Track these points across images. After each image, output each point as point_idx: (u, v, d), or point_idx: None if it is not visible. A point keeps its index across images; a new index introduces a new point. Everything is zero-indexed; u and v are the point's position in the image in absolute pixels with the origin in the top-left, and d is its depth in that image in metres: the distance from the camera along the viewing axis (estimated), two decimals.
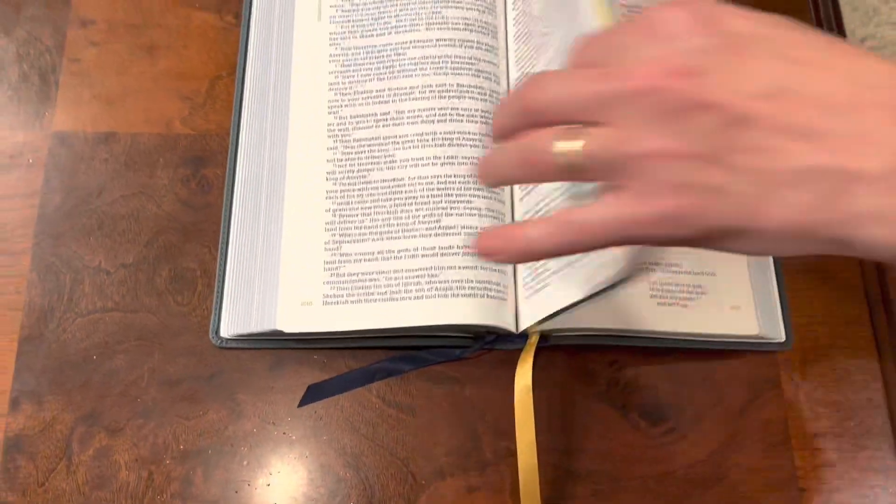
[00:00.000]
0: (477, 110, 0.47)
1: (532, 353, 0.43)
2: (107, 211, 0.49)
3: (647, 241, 0.28)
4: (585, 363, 0.47)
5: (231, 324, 0.45)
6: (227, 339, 0.46)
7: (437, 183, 0.45)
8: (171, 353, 0.46)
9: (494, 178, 0.32)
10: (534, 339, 0.44)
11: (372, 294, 0.43)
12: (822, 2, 0.57)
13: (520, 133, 0.30)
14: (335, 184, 0.46)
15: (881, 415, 0.46)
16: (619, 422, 0.46)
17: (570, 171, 0.29)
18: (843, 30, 0.56)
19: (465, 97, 0.47)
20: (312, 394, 0.45)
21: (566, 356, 0.47)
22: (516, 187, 0.47)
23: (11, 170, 0.50)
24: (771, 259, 0.48)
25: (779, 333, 0.46)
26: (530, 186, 0.46)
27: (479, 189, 0.45)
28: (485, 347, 0.45)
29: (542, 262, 0.43)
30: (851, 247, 0.26)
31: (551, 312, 0.41)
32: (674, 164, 0.27)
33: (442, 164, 0.45)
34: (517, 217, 0.45)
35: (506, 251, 0.31)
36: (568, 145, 0.28)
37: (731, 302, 0.46)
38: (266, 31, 0.51)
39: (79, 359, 0.46)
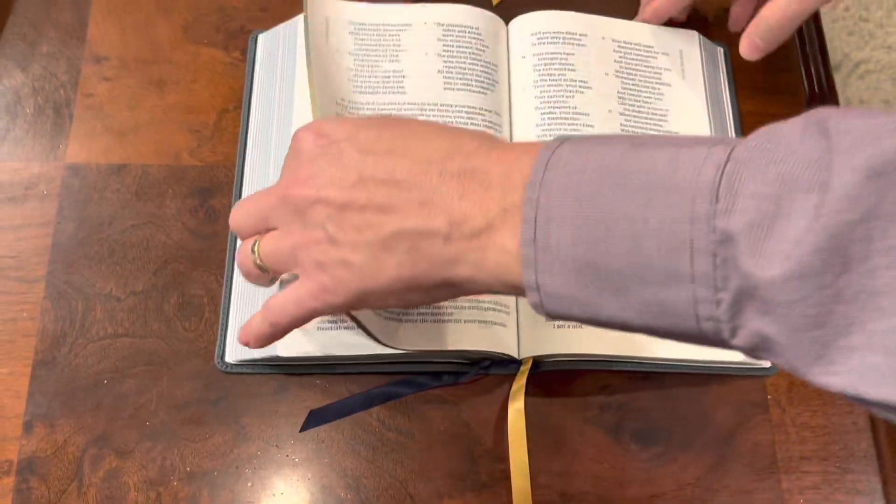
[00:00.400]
0: None
1: (525, 378, 0.45)
2: (118, 240, 0.51)
3: (318, 312, 0.36)
4: (578, 387, 0.48)
5: (235, 349, 0.47)
6: (232, 365, 0.48)
7: None
8: (178, 377, 0.48)
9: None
10: (527, 365, 0.45)
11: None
12: (804, 27, 0.59)
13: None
14: None
15: (865, 439, 0.48)
16: (611, 445, 0.47)
17: (263, 268, 0.38)
18: (827, 57, 0.58)
19: None
20: (314, 419, 0.47)
21: (559, 380, 0.48)
22: None
23: (27, 200, 0.52)
24: None
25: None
26: None
27: None
28: (480, 372, 0.47)
29: None
30: (460, 287, 0.33)
31: (571, 353, 0.45)
32: (311, 249, 0.35)
33: None
34: None
35: (248, 341, 0.39)
36: (249, 248, 0.38)
37: None
38: (270, 67, 0.53)
39: (90, 383, 0.48)
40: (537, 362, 0.46)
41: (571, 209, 0.29)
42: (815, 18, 0.59)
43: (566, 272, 0.29)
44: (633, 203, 0.27)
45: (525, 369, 0.46)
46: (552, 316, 0.31)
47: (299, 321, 0.37)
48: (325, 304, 0.35)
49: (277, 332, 0.38)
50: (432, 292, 0.34)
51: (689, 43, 0.55)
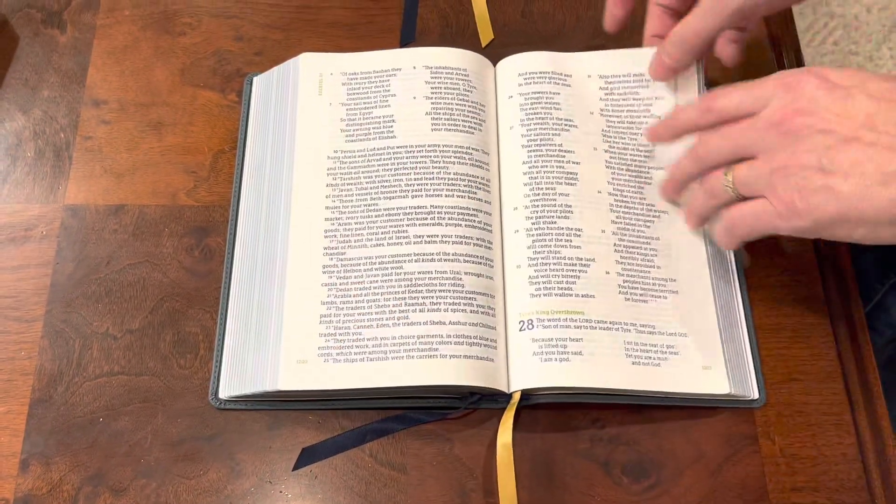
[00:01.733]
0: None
1: (513, 412, 0.46)
2: (115, 279, 0.52)
3: (777, 231, 0.41)
4: (569, 420, 0.49)
5: (228, 385, 0.48)
6: (225, 401, 0.48)
7: (436, 273, 0.48)
8: (173, 414, 0.49)
9: (693, 208, 0.48)
10: (515, 399, 0.46)
11: (373, 354, 0.46)
12: (786, 59, 0.60)
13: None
14: (331, 259, 0.48)
15: (856, 469, 0.48)
16: (602, 478, 0.48)
17: (735, 193, 0.43)
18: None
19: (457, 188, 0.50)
20: (306, 457, 0.47)
21: (550, 414, 0.49)
22: (501, 279, 0.49)
23: (26, 241, 0.53)
24: (742, 318, 0.50)
25: (751, 391, 0.48)
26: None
27: (467, 273, 0.48)
28: (470, 407, 0.48)
29: (563, 336, 0.47)
30: None
31: (564, 386, 0.46)
32: (793, 174, 0.39)
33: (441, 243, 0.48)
34: (508, 300, 0.48)
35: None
36: (729, 175, 0.43)
37: (702, 362, 0.48)
38: (264, 109, 0.55)
39: (86, 421, 0.48)
40: (527, 395, 0.47)
41: None
42: (797, 50, 0.60)
43: None
44: None
45: (513, 403, 0.46)
46: None
47: (754, 235, 0.43)
48: (791, 225, 0.40)
49: (733, 242, 0.45)
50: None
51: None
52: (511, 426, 0.45)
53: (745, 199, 0.43)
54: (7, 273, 0.52)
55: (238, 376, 0.48)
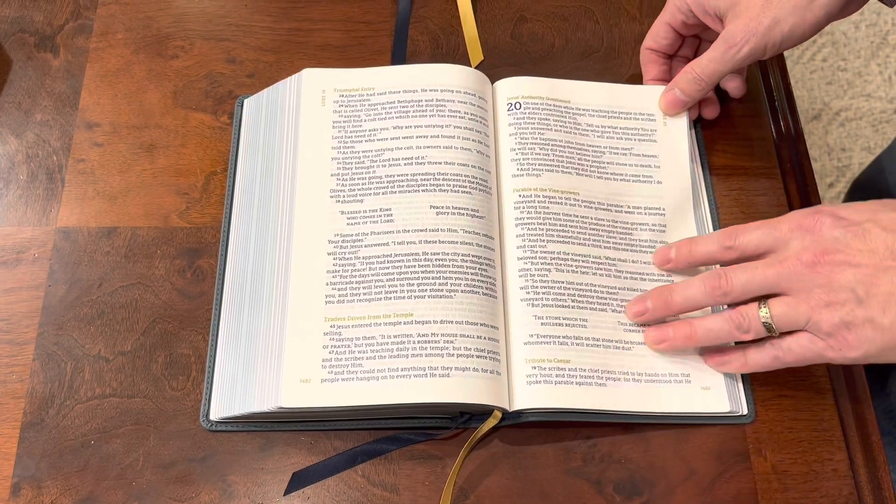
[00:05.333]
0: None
1: (487, 428, 0.47)
2: (107, 301, 0.52)
3: (832, 361, 0.44)
4: (561, 439, 0.49)
5: (219, 407, 0.48)
6: (216, 422, 0.48)
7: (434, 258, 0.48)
8: (165, 436, 0.49)
9: (710, 336, 0.47)
10: (495, 418, 0.46)
11: (377, 373, 0.46)
12: (772, 78, 0.61)
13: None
14: (335, 279, 0.48)
15: (847, 485, 0.48)
16: (595, 497, 0.48)
17: (767, 329, 0.45)
18: (794, 104, 0.60)
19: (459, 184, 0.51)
20: (297, 481, 0.47)
21: (542, 432, 0.49)
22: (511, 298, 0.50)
23: (18, 264, 0.53)
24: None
25: (742, 407, 0.49)
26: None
27: (469, 284, 0.48)
28: (461, 426, 0.48)
29: (566, 357, 0.48)
30: None
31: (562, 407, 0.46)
32: (835, 310, 0.42)
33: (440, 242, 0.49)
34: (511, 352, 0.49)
35: (730, 364, 0.49)
36: (765, 311, 0.44)
37: (702, 383, 0.48)
38: (254, 131, 0.55)
39: (77, 444, 0.48)
40: (520, 413, 0.47)
41: None
42: (782, 67, 0.61)
43: None
44: None
45: (491, 421, 0.46)
46: None
47: (796, 364, 0.45)
48: (844, 357, 0.43)
49: (777, 365, 0.46)
50: None
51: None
52: (474, 444, 0.47)
53: (771, 333, 0.45)
54: None
55: (230, 397, 0.48)
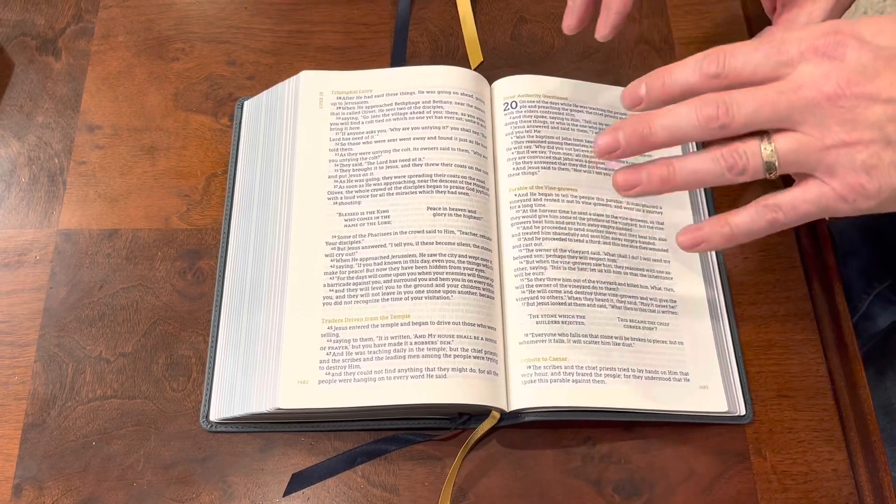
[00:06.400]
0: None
1: (485, 430, 0.47)
2: (108, 303, 0.52)
3: (840, 214, 0.37)
4: (560, 439, 0.49)
5: (219, 408, 0.48)
6: (216, 423, 0.48)
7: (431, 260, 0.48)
8: (166, 437, 0.49)
9: (695, 180, 0.38)
10: (493, 418, 0.46)
11: (374, 374, 0.46)
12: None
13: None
14: (332, 279, 0.49)
15: (847, 485, 0.48)
16: (594, 497, 0.48)
17: (768, 169, 0.36)
18: None
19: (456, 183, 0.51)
20: (296, 482, 0.47)
21: (542, 432, 0.49)
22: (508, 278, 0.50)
23: (20, 266, 0.53)
24: (730, 334, 0.51)
25: (739, 408, 0.49)
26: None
27: (466, 285, 0.48)
28: (460, 427, 0.48)
29: (562, 355, 0.47)
30: None
31: (562, 406, 0.46)
32: (856, 151, 0.35)
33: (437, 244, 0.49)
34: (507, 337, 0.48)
35: (711, 239, 0.39)
36: (769, 148, 0.36)
37: (700, 382, 0.48)
38: (254, 132, 0.55)
39: (78, 445, 0.48)
40: (518, 413, 0.47)
41: None
42: None
43: None
44: None
45: (489, 421, 0.46)
46: None
47: (807, 220, 0.38)
48: (854, 207, 0.36)
49: (775, 227, 0.38)
50: None
51: None
52: (473, 443, 0.46)
53: (771, 177, 0.37)
54: (1, 298, 0.52)
55: (229, 398, 0.48)
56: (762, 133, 0.37)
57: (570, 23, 0.48)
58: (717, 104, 0.36)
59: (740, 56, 0.36)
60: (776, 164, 0.36)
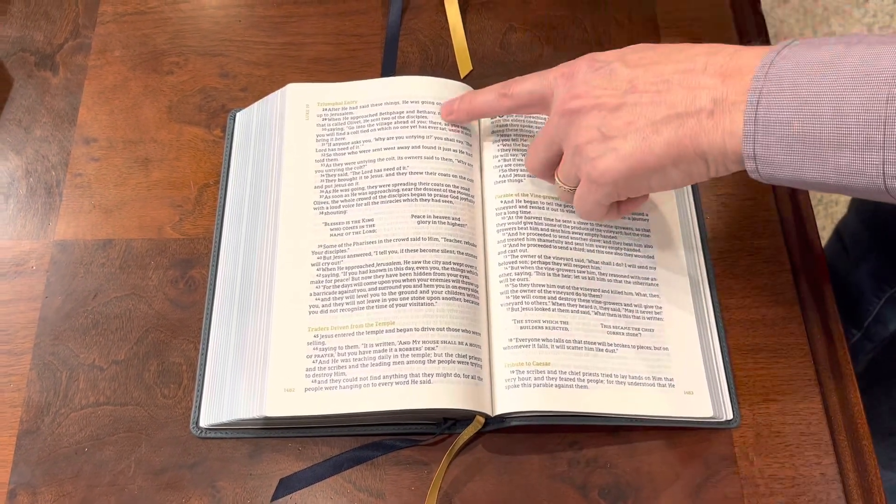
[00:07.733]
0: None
1: (470, 435, 0.47)
2: (102, 311, 0.53)
3: (602, 200, 0.45)
4: (546, 444, 0.49)
5: (209, 414, 0.49)
6: (206, 429, 0.49)
7: (417, 268, 0.49)
8: (156, 443, 0.50)
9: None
10: (478, 422, 0.46)
11: (360, 381, 0.46)
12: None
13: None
14: (319, 294, 0.49)
15: (835, 489, 0.48)
16: (580, 501, 0.48)
17: (569, 188, 0.47)
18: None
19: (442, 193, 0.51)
20: (284, 487, 0.48)
21: (527, 437, 0.49)
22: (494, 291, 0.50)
23: (17, 276, 0.54)
24: (716, 338, 0.51)
25: (725, 413, 0.48)
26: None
27: (451, 294, 0.48)
28: (445, 432, 0.48)
29: (545, 360, 0.48)
30: (703, 160, 0.40)
31: (546, 410, 0.47)
32: (585, 150, 0.43)
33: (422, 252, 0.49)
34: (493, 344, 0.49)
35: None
36: (559, 181, 0.48)
37: (685, 387, 0.48)
38: (245, 143, 0.56)
39: (71, 451, 0.49)
40: (504, 418, 0.47)
41: (788, 95, 0.36)
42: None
43: (778, 144, 0.37)
44: (842, 87, 0.35)
45: (473, 426, 0.47)
46: (764, 179, 0.39)
47: (598, 208, 0.46)
48: (602, 192, 0.44)
49: (592, 216, 0.47)
50: (683, 167, 0.41)
51: None
52: (458, 448, 0.47)
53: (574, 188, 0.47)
54: None
55: (218, 405, 0.49)
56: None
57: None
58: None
59: (521, 83, 0.49)
60: (563, 187, 0.47)
